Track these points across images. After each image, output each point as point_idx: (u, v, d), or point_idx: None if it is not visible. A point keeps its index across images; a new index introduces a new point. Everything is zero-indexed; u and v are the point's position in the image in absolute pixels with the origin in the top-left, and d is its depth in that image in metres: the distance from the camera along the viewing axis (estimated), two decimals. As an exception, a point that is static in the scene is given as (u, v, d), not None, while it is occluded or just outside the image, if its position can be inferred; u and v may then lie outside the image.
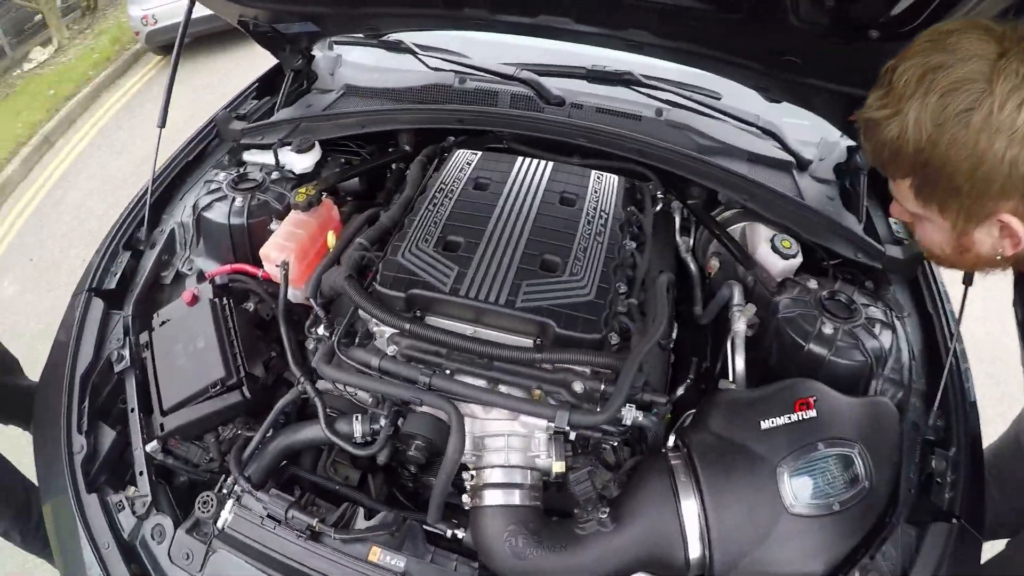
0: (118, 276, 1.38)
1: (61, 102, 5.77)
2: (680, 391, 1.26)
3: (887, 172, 0.83)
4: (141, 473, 1.11)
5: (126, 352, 1.23)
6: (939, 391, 1.15)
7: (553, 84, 1.57)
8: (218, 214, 1.40)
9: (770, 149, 1.62)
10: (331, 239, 1.27)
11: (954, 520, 0.98)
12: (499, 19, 1.42)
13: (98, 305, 1.31)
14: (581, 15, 1.34)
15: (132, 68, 6.66)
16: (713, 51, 1.32)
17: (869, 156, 0.82)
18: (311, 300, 1.16)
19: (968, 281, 1.17)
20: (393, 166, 1.65)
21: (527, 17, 1.39)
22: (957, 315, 1.20)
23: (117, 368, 1.23)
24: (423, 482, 1.21)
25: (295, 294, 1.29)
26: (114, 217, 1.54)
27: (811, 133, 1.75)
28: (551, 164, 1.34)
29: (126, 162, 4.72)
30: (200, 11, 1.64)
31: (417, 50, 1.77)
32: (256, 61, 1.89)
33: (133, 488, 1.11)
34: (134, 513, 1.07)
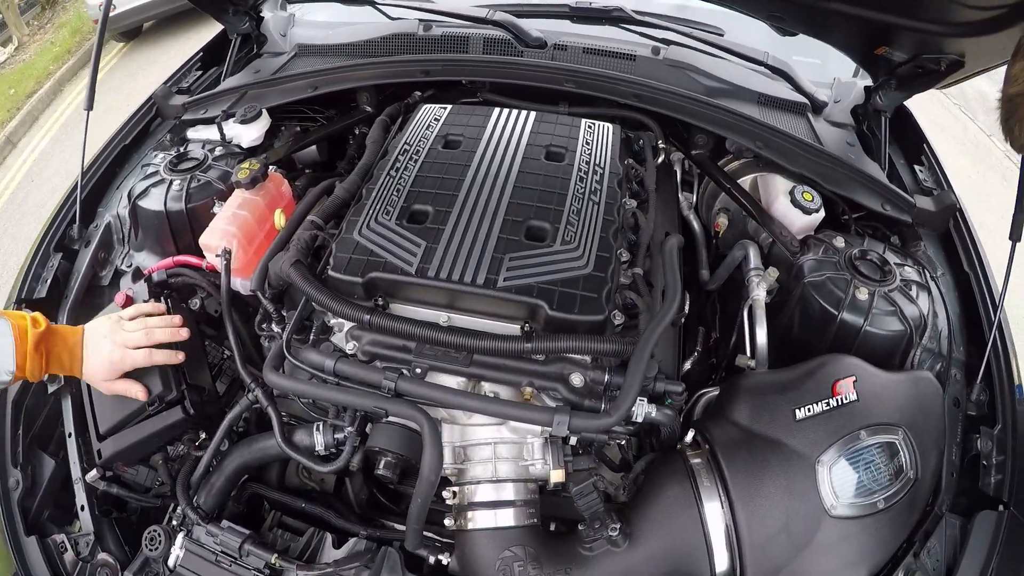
0: (49, 282, 1.21)
1: (23, 100, 5.60)
2: (687, 366, 1.11)
3: None
4: (83, 508, 0.99)
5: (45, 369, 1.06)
6: (983, 362, 1.03)
7: (532, 25, 1.35)
8: (154, 201, 1.22)
9: (781, 90, 1.43)
10: (279, 219, 1.09)
11: (1001, 507, 0.88)
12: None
13: (27, 318, 1.14)
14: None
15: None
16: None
17: (1011, 138, 0.72)
18: (258, 293, 0.99)
19: (1017, 236, 1.02)
20: (356, 131, 1.45)
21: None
22: (1004, 276, 1.07)
23: (51, 388, 1.08)
24: (405, 487, 1.06)
25: (244, 284, 1.11)
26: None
27: (823, 72, 1.58)
28: (533, 114, 1.15)
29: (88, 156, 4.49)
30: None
31: (376, 1, 1.55)
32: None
33: (78, 522, 0.99)
34: (78, 555, 0.95)
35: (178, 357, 0.96)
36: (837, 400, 0.86)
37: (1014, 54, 0.69)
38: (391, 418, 0.81)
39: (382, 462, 0.83)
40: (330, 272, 0.89)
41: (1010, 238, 1.05)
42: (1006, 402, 1.00)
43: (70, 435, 1.04)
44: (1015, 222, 1.04)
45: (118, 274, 1.27)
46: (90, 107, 1.40)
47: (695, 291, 1.28)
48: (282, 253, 0.98)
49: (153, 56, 5.65)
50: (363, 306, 0.86)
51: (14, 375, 0.89)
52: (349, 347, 0.88)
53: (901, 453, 0.85)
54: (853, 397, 0.86)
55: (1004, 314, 1.10)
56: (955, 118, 4.45)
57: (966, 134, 4.28)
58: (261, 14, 1.72)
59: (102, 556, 0.95)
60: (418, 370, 0.84)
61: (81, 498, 0.99)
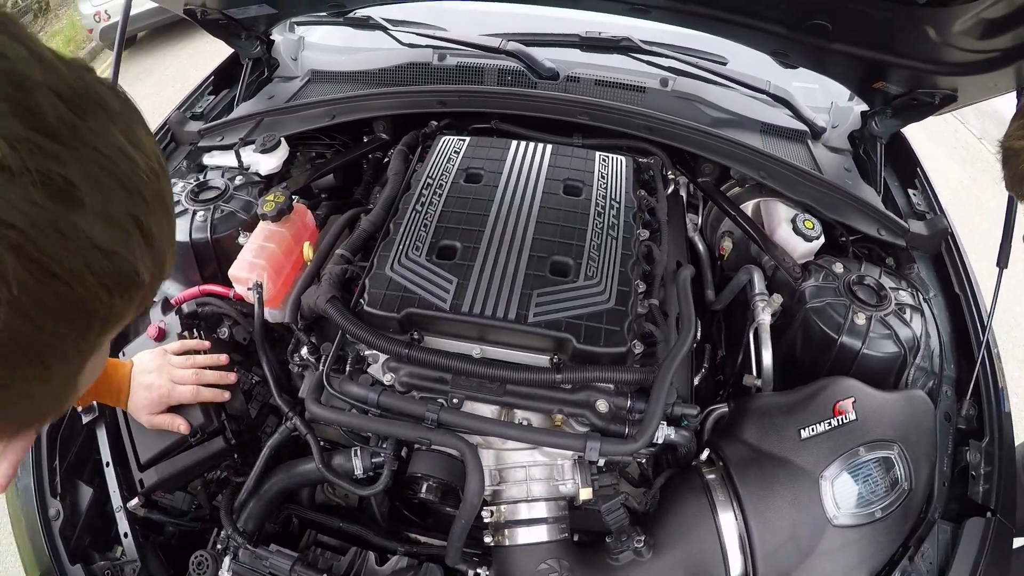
0: None
1: None
2: (695, 381, 1.18)
3: None
4: (126, 535, 1.01)
5: (93, 400, 1.09)
6: (972, 379, 1.11)
7: (543, 55, 1.41)
8: (179, 232, 1.24)
9: (781, 118, 1.51)
10: (307, 251, 1.13)
11: (989, 514, 0.95)
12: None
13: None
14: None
15: (90, 67, 6.29)
16: (732, 15, 1.18)
17: (1008, 183, 0.79)
18: (292, 324, 1.03)
19: (1004, 264, 1.10)
20: (369, 156, 1.50)
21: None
22: (991, 300, 1.14)
23: (86, 419, 1.10)
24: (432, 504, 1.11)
25: (273, 315, 1.16)
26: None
27: (821, 98, 1.65)
28: (549, 147, 1.20)
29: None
30: (149, 3, 1.45)
31: (388, 25, 1.59)
32: (220, 46, 1.69)
33: (120, 548, 1.02)
34: None
35: (224, 396, 1.00)
36: (838, 420, 0.94)
37: (1016, 115, 0.74)
38: (433, 447, 0.87)
39: (424, 486, 0.88)
40: (365, 308, 0.94)
41: (997, 264, 1.11)
42: (993, 417, 1.07)
43: (108, 464, 1.06)
44: (1002, 250, 1.11)
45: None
46: None
47: (701, 311, 1.35)
48: (315, 287, 1.03)
49: (148, 65, 5.56)
50: (401, 340, 0.92)
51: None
52: (386, 379, 0.93)
53: (896, 466, 0.93)
54: (852, 417, 0.94)
55: (992, 334, 1.17)
56: (945, 122, 4.58)
57: (957, 138, 4.40)
58: (272, 38, 1.75)
59: None
60: (455, 400, 0.90)
61: (124, 526, 1.01)
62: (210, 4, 1.44)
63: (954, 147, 4.27)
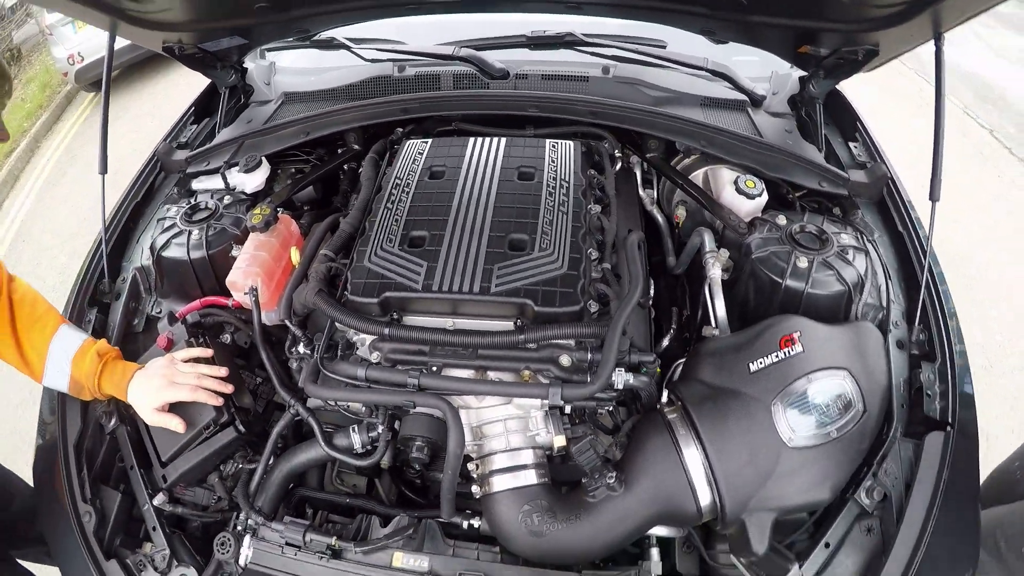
0: (89, 335, 1.34)
1: (1, 160, 5.54)
2: (665, 342, 1.27)
3: None
4: (155, 528, 1.10)
5: (114, 410, 1.20)
6: (918, 307, 1.17)
7: (494, 57, 1.52)
8: (177, 251, 1.36)
9: (723, 91, 1.61)
10: (295, 255, 1.24)
11: (948, 428, 1.01)
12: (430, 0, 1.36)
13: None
14: (514, -19, 1.30)
15: (67, 111, 6.42)
16: (656, 1, 1.28)
17: None
18: (286, 321, 1.14)
19: (936, 197, 1.18)
20: (345, 167, 1.61)
21: (458, -8, 1.34)
22: (927, 231, 1.21)
23: (108, 428, 1.20)
24: (431, 476, 1.21)
25: (269, 316, 1.27)
26: (75, 270, 1.48)
27: (761, 68, 1.74)
28: (504, 139, 1.31)
29: (76, 209, 4.56)
30: (125, 40, 1.55)
31: (351, 44, 1.71)
32: (192, 78, 1.81)
33: (149, 544, 1.11)
34: (156, 569, 1.07)
35: (218, 400, 1.09)
36: (785, 352, 1.01)
37: None
38: (418, 409, 0.97)
39: (414, 447, 0.99)
40: (349, 296, 1.05)
41: (930, 198, 1.18)
42: (943, 339, 1.13)
43: (132, 468, 1.15)
44: (932, 185, 1.18)
45: (150, 321, 1.40)
46: (103, 170, 1.48)
47: (666, 276, 1.45)
48: (303, 285, 1.14)
49: (124, 103, 5.69)
50: (382, 321, 1.03)
51: (70, 377, 1.05)
52: (373, 357, 1.04)
53: (847, 390, 0.99)
54: (799, 349, 1.01)
55: (936, 266, 1.23)
56: (911, 81, 4.70)
57: (921, 96, 4.52)
58: (244, 65, 1.87)
59: (179, 569, 1.06)
60: (434, 368, 1.00)
61: (152, 520, 1.11)
62: (186, 40, 1.54)
63: (919, 104, 4.39)
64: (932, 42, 1.13)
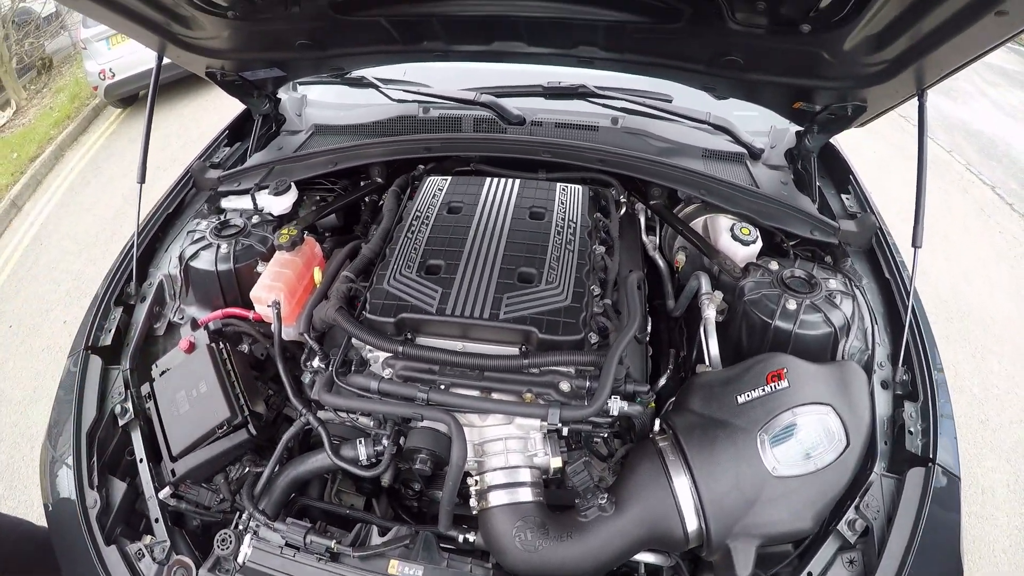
0: (112, 332, 1.40)
1: (25, 164, 5.69)
2: (662, 381, 1.34)
3: None
4: (157, 520, 1.14)
5: (129, 405, 1.26)
6: (902, 348, 1.24)
7: (513, 104, 1.66)
8: (205, 262, 1.45)
9: (723, 143, 1.73)
10: (317, 275, 1.33)
11: (929, 463, 1.05)
12: (456, 49, 1.50)
13: (96, 362, 1.34)
14: (533, 39, 1.43)
15: (93, 123, 6.63)
16: (659, 59, 1.41)
17: None
18: (304, 335, 1.22)
19: (918, 244, 1.26)
20: (367, 199, 1.72)
21: (482, 45, 1.48)
22: (910, 278, 1.28)
23: (122, 421, 1.25)
24: (428, 496, 1.26)
25: (288, 331, 1.34)
26: (91, 276, 1.56)
27: (761, 123, 1.85)
28: (518, 181, 1.43)
29: (96, 219, 4.69)
30: (152, 63, 1.65)
31: (380, 84, 1.85)
32: (219, 103, 1.94)
33: (150, 536, 1.14)
34: (154, 559, 1.10)
35: None
36: (772, 387, 1.07)
37: None
38: (424, 423, 1.04)
39: (417, 459, 1.05)
40: (367, 315, 1.13)
41: (912, 245, 1.26)
42: (925, 379, 1.18)
43: (141, 460, 1.20)
44: (915, 232, 1.26)
45: (171, 326, 1.47)
46: (142, 180, 1.57)
47: (665, 319, 1.52)
48: (324, 302, 1.23)
49: (154, 120, 5.94)
50: (396, 340, 1.10)
51: None
52: (386, 373, 1.11)
53: (831, 425, 1.04)
54: (784, 384, 1.07)
55: (920, 306, 1.29)
56: (915, 139, 4.86)
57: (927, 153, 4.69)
58: (279, 96, 2.01)
59: (177, 557, 1.09)
60: (442, 386, 1.07)
61: (155, 512, 1.15)
62: (228, 68, 1.68)
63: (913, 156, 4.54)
64: (916, 98, 1.22)
